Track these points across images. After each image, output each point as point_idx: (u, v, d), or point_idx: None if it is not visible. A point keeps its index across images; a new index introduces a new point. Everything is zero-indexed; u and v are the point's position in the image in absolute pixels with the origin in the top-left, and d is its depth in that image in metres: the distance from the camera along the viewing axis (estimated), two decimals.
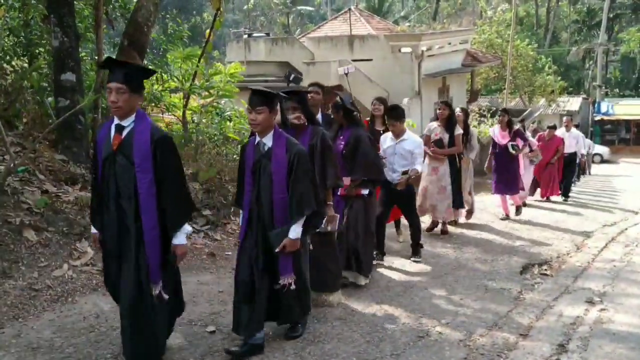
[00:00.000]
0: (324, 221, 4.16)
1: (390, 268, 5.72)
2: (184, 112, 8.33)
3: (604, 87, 34.44)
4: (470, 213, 7.98)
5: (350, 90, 11.35)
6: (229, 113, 8.91)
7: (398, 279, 5.41)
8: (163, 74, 8.67)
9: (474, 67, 23.27)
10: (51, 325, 3.94)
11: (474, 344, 3.98)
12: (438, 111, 7.02)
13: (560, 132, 11.22)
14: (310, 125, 4.34)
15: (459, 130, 6.91)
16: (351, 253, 4.97)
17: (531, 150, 9.48)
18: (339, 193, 4.93)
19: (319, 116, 5.32)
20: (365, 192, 5.04)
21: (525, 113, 23.50)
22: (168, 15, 11.94)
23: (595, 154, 27.34)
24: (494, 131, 8.48)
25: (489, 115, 18.19)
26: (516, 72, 26.28)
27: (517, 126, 8.76)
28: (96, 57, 7.00)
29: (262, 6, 47.28)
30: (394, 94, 18.69)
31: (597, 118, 31.43)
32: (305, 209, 3.60)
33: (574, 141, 11.23)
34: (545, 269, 6.00)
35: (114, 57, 7.10)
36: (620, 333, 4.25)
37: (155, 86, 8.70)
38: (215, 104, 8.73)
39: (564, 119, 12.31)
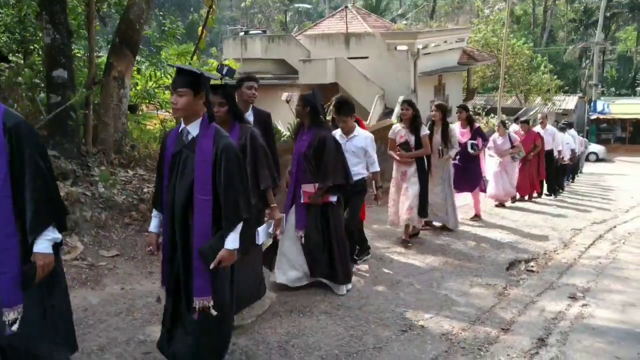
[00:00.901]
0: (271, 227, 3.90)
1: (376, 262, 5.79)
2: None
3: (600, 86, 34.55)
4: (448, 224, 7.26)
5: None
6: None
7: (385, 274, 5.48)
8: (157, 71, 8.74)
9: (470, 65, 23.38)
10: None
11: (455, 337, 4.06)
12: (400, 112, 6.50)
13: (535, 129, 10.96)
14: (238, 123, 3.97)
15: (424, 131, 6.41)
16: (329, 262, 4.75)
17: (513, 146, 9.35)
18: (302, 201, 4.70)
19: (249, 113, 4.88)
20: (333, 199, 4.74)
21: (520, 112, 23.62)
22: (163, 13, 11.99)
23: (591, 153, 27.47)
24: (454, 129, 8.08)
25: (483, 113, 18.26)
26: (512, 71, 26.38)
27: (477, 124, 8.41)
28: (88, 54, 7.06)
29: (260, 3, 47.27)
30: (390, 92, 18.77)
31: (593, 117, 31.55)
32: (242, 213, 3.01)
33: (550, 138, 11.03)
34: (532, 266, 6.07)
35: (107, 54, 7.17)
36: (600, 328, 4.33)
37: (150, 83, 8.77)
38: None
39: (539, 115, 12.17)
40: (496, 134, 9.57)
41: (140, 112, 8.75)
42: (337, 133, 5.43)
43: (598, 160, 27.02)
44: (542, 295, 5.08)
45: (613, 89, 40.25)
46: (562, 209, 9.78)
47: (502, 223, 8.13)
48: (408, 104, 6.39)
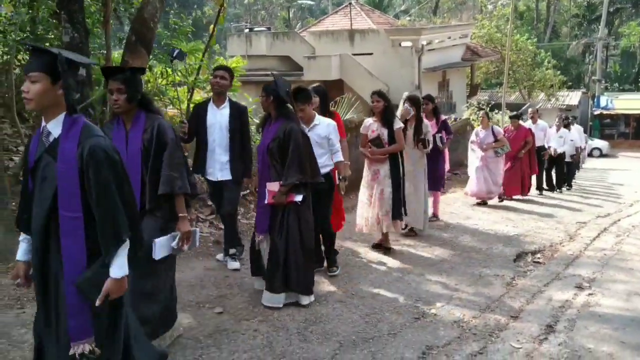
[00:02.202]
0: (176, 240, 3.41)
1: (386, 254, 5.94)
2: (188, 106, 8.55)
3: (603, 82, 34.61)
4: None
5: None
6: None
7: (395, 265, 5.64)
8: (167, 68, 8.90)
9: (474, 61, 23.47)
10: None
11: (467, 324, 4.22)
12: (371, 104, 5.85)
13: (526, 125, 10.36)
14: (144, 113, 3.39)
15: (398, 124, 5.79)
16: (288, 271, 4.30)
17: (496, 140, 8.72)
18: (266, 201, 4.27)
19: (225, 105, 5.02)
20: (298, 198, 4.27)
21: (524, 107, 23.71)
22: (171, 11, 12.14)
23: (595, 148, 27.59)
24: None
25: (487, 109, 18.36)
26: (515, 67, 26.49)
27: (443, 116, 7.85)
28: (104, 52, 7.23)
29: (263, 0, 47.37)
30: (394, 88, 18.86)
31: (597, 112, 31.62)
32: (123, 233, 2.39)
33: (542, 133, 10.57)
34: (539, 257, 6.23)
35: (122, 52, 7.34)
36: (606, 315, 4.49)
37: (160, 80, 8.93)
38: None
39: (529, 110, 11.47)
40: (478, 127, 9.11)
41: None
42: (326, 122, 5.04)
43: (602, 155, 27.12)
44: (549, 285, 5.23)
45: (616, 85, 40.31)
46: (567, 203, 9.92)
47: (509, 216, 8.29)
48: (378, 94, 5.79)
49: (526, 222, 7.99)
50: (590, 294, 4.98)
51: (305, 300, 4.41)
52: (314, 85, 5.50)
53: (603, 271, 5.71)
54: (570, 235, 7.34)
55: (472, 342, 3.92)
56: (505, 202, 9.35)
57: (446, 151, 7.79)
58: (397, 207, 5.76)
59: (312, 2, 47.79)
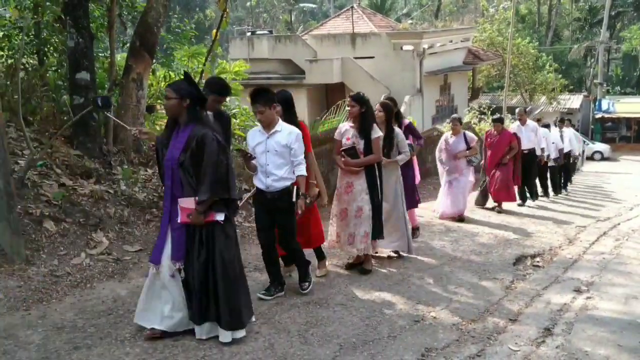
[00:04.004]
0: None
1: (388, 258, 6.00)
2: None
3: (605, 85, 34.61)
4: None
5: None
6: (234, 110, 9.19)
7: (396, 268, 5.69)
8: (170, 72, 8.99)
9: (475, 65, 23.55)
10: (73, 308, 4.24)
11: (466, 327, 4.27)
12: (347, 109, 5.24)
13: (514, 126, 9.80)
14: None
15: (377, 133, 5.17)
16: (208, 302, 3.73)
17: (469, 148, 7.90)
18: (179, 220, 3.65)
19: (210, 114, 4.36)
20: (219, 217, 3.68)
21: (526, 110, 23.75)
22: (174, 15, 12.22)
23: (596, 152, 27.63)
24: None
25: (489, 113, 18.42)
26: (517, 70, 26.54)
27: (407, 120, 6.88)
28: (108, 56, 7.31)
29: (265, 3, 47.52)
30: (396, 92, 18.94)
31: (598, 116, 31.64)
32: None
33: (532, 134, 9.68)
34: (538, 261, 6.28)
35: (126, 56, 7.42)
36: (604, 319, 4.54)
37: (162, 84, 9.01)
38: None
39: (517, 110, 10.53)
40: (448, 133, 8.11)
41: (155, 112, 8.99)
42: (257, 130, 4.53)
43: (603, 159, 27.17)
44: (548, 288, 5.29)
45: (618, 88, 40.28)
46: (566, 207, 9.97)
47: (508, 220, 8.33)
48: (354, 99, 5.18)
49: (526, 225, 8.04)
50: (588, 298, 5.03)
51: (227, 337, 3.74)
52: (279, 90, 5.00)
53: (602, 275, 5.77)
54: (569, 239, 7.39)
55: (470, 344, 3.97)
56: (505, 205, 9.33)
57: (415, 161, 6.83)
58: (377, 226, 5.22)
59: (314, 6, 47.94)
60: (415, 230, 6.73)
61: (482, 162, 9.01)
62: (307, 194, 4.72)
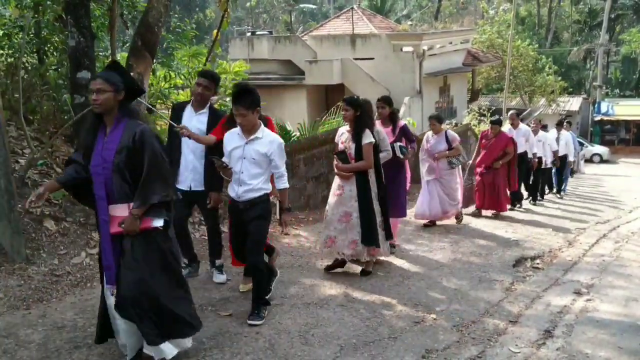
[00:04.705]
0: None
1: (387, 259, 5.99)
2: None
3: (604, 88, 34.76)
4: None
5: None
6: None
7: (396, 270, 5.69)
8: (170, 72, 8.99)
9: (475, 66, 23.63)
10: (73, 307, 4.24)
11: (466, 329, 4.27)
12: (343, 112, 5.15)
13: (506, 129, 9.30)
14: None
15: (368, 139, 5.02)
16: (157, 321, 3.28)
17: (450, 148, 7.37)
18: (110, 231, 3.20)
19: (205, 111, 4.60)
20: (157, 223, 3.24)
21: (525, 112, 23.82)
22: (175, 15, 12.23)
23: (595, 154, 27.70)
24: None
25: (488, 114, 18.45)
26: (517, 72, 26.60)
27: (402, 122, 6.44)
28: (108, 56, 7.31)
29: (265, 3, 47.55)
30: (395, 93, 18.98)
31: (597, 118, 31.75)
32: None
33: (523, 139, 9.35)
34: (537, 263, 6.28)
35: (126, 56, 7.42)
36: (604, 321, 4.54)
37: (162, 83, 9.01)
38: (221, 101, 9.02)
39: (509, 113, 10.26)
40: (429, 132, 7.58)
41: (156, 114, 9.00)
42: (235, 133, 4.12)
43: (602, 161, 27.24)
44: (548, 290, 5.29)
45: (617, 91, 40.41)
46: (566, 209, 9.99)
47: (508, 222, 8.34)
48: (347, 102, 5.06)
49: (525, 227, 8.04)
50: (588, 300, 5.04)
51: (156, 352, 3.29)
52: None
53: (601, 277, 5.77)
54: (569, 241, 7.40)
55: (471, 346, 3.97)
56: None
57: (407, 164, 6.43)
58: (368, 233, 5.04)
59: (313, 6, 47.99)
60: (392, 247, 5.90)
61: (470, 162, 8.73)
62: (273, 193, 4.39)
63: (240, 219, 4.15)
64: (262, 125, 4.14)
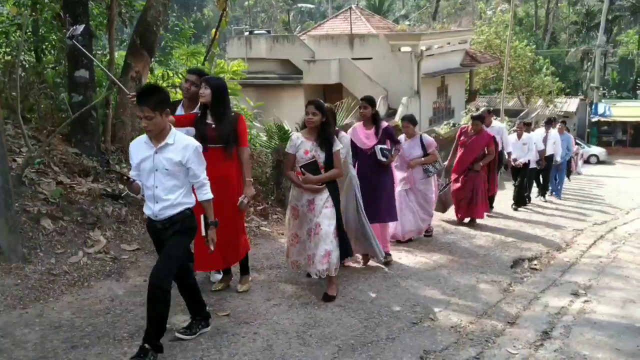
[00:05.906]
0: None
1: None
2: None
3: (601, 89, 34.81)
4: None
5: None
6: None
7: (394, 270, 5.68)
8: (168, 71, 8.97)
9: (473, 67, 23.63)
10: (70, 306, 4.22)
11: (464, 330, 4.27)
12: (306, 117, 4.59)
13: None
14: None
15: (337, 145, 4.68)
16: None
17: (425, 155, 6.72)
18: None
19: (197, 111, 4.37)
20: None
21: (522, 113, 23.83)
22: (173, 14, 12.20)
23: (592, 155, 27.75)
24: (356, 131, 5.82)
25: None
26: (514, 73, 26.63)
27: (385, 123, 5.95)
28: (106, 54, 7.29)
29: (263, 3, 47.50)
30: (393, 93, 19.02)
31: (594, 119, 31.82)
32: None
33: (498, 137, 8.54)
34: (535, 264, 6.29)
35: (124, 55, 7.40)
36: (601, 322, 4.55)
37: (160, 82, 8.98)
38: None
39: (480, 110, 9.60)
40: (402, 136, 6.72)
41: None
42: (142, 141, 3.53)
43: (599, 162, 27.31)
44: (546, 291, 5.29)
45: (614, 92, 40.52)
46: (563, 210, 10.00)
47: (506, 223, 8.35)
48: (315, 106, 4.57)
49: (523, 228, 8.06)
50: (586, 301, 5.04)
51: None
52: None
53: (599, 278, 5.78)
54: (566, 242, 7.41)
55: (469, 347, 3.97)
56: (503, 209, 9.36)
57: (394, 169, 6.18)
58: (343, 243, 4.72)
59: (312, 6, 47.96)
60: (387, 255, 5.79)
61: (447, 163, 8.02)
62: (244, 193, 4.28)
63: (160, 240, 3.57)
64: (173, 129, 3.53)
